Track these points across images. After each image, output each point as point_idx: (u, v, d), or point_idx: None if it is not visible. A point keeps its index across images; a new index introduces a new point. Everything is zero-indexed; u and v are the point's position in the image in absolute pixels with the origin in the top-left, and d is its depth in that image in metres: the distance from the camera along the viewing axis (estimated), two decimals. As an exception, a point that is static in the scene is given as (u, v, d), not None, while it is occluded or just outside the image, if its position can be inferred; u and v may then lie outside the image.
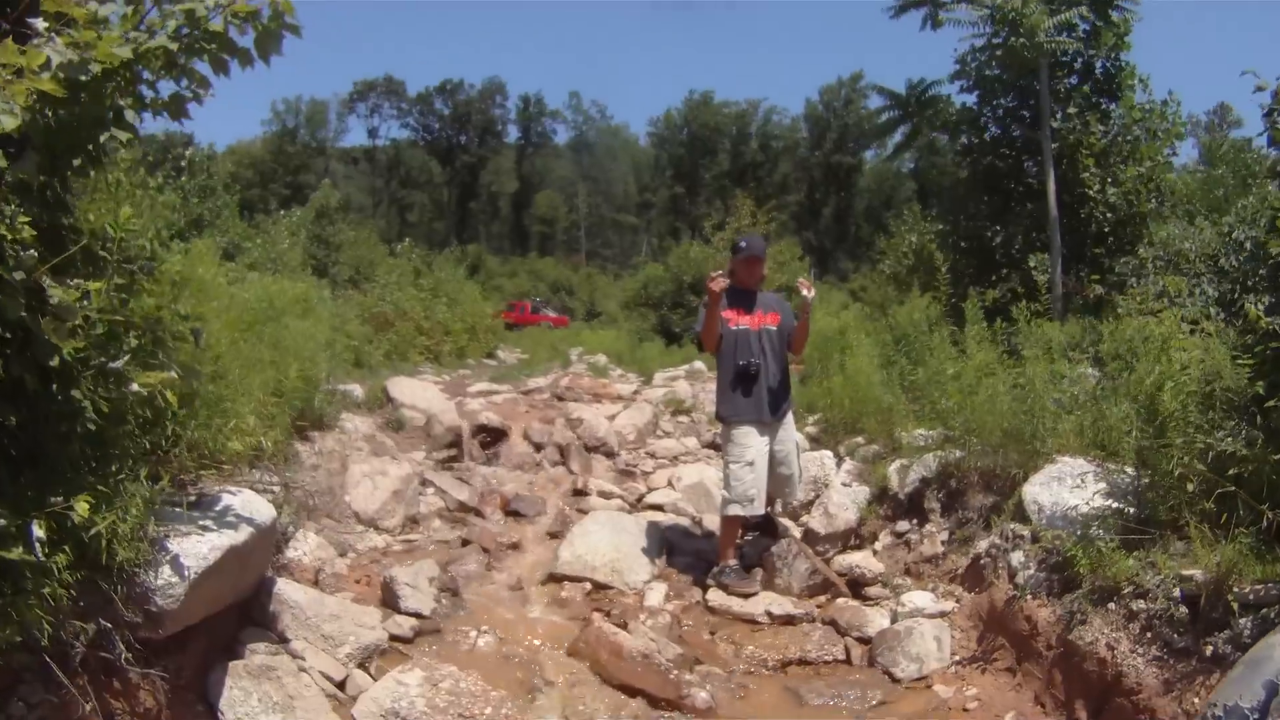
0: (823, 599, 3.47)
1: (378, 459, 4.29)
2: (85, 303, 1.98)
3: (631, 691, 2.65)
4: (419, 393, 5.41)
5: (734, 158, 51.40)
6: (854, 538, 3.94)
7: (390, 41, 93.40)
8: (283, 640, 2.75)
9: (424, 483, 4.50)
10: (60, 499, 1.88)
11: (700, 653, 3.01)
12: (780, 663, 2.99)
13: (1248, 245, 6.53)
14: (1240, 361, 2.66)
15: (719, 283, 3.36)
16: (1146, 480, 2.81)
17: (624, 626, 3.07)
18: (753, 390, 3.49)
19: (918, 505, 3.81)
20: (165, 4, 2.00)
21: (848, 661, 3.02)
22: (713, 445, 5.77)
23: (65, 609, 2.02)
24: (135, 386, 2.11)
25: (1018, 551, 3.01)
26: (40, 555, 1.77)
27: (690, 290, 15.93)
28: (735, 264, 3.70)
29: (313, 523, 3.71)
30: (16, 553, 1.71)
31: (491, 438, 5.40)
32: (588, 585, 3.44)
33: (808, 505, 4.24)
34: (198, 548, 2.34)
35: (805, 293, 3.48)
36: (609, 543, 3.62)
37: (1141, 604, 2.46)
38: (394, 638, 2.85)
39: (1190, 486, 2.58)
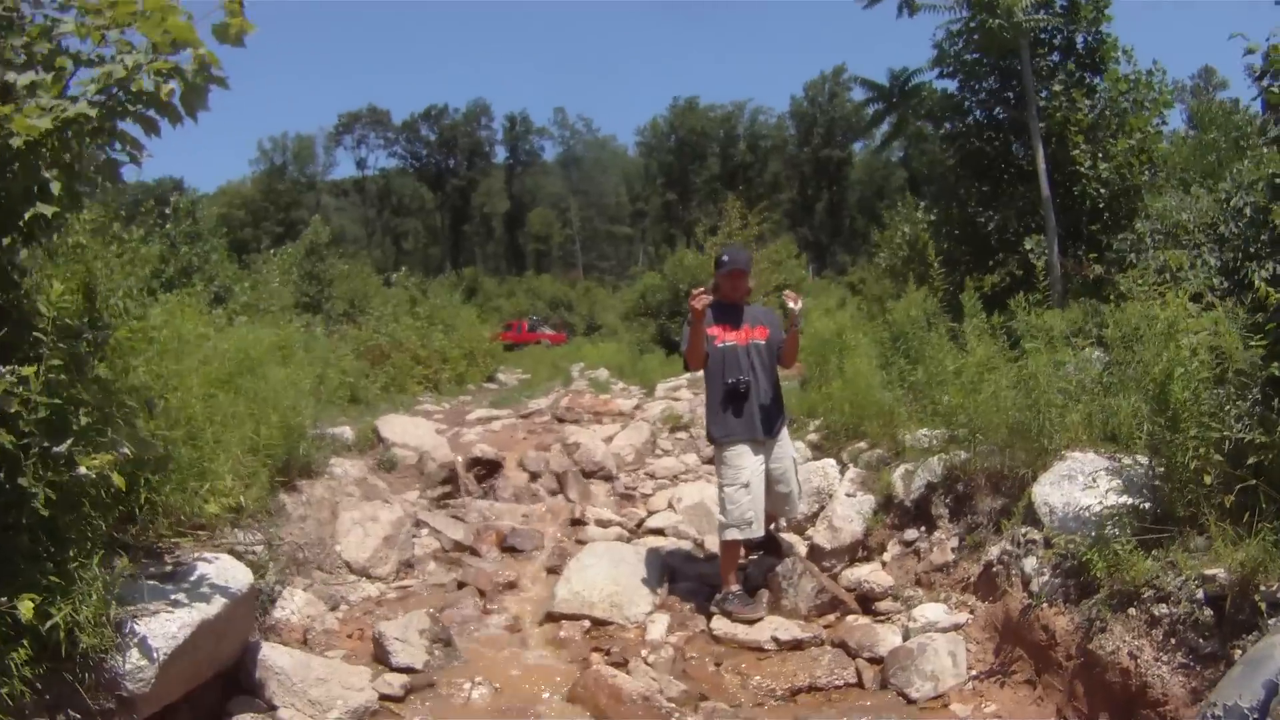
0: (831, 618, 3.33)
1: (368, 504, 4.18)
2: (23, 388, 1.89)
3: (634, 736, 2.52)
4: (410, 430, 5.31)
5: (723, 160, 51.42)
6: (861, 550, 3.80)
7: (371, 71, 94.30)
8: (271, 708, 2.65)
9: (418, 524, 4.39)
10: (4, 598, 1.78)
11: (705, 687, 2.88)
12: (789, 691, 2.86)
13: (1247, 211, 6.37)
14: (1253, 343, 2.52)
15: (700, 300, 3.25)
16: (1160, 471, 2.67)
17: (625, 665, 2.95)
18: (744, 409, 3.36)
19: (925, 512, 3.67)
20: (83, 70, 1.92)
21: (860, 685, 2.88)
22: (712, 461, 5.64)
23: (29, 705, 1.93)
24: (83, 470, 2.02)
25: (1030, 557, 2.88)
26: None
27: (688, 298, 15.76)
28: (719, 278, 3.59)
29: (302, 578, 3.61)
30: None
31: (487, 470, 5.29)
32: (586, 623, 3.31)
33: (812, 518, 4.12)
34: (166, 627, 2.25)
35: (792, 305, 3.35)
36: (607, 576, 3.49)
37: (1163, 608, 2.32)
38: (384, 697, 2.73)
39: (1208, 479, 2.44)
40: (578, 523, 4.56)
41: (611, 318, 30.41)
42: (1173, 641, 2.23)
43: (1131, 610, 2.39)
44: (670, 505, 4.73)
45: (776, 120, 53.59)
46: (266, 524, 3.48)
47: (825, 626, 3.27)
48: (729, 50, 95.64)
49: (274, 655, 2.76)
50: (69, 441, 1.99)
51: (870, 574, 3.52)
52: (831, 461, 4.52)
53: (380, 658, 3.02)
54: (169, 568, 2.62)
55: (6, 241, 2.00)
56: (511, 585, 3.80)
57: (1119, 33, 8.09)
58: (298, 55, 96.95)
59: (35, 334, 2.02)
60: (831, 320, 6.44)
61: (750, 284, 3.69)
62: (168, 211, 11.36)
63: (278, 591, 3.30)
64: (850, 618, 3.31)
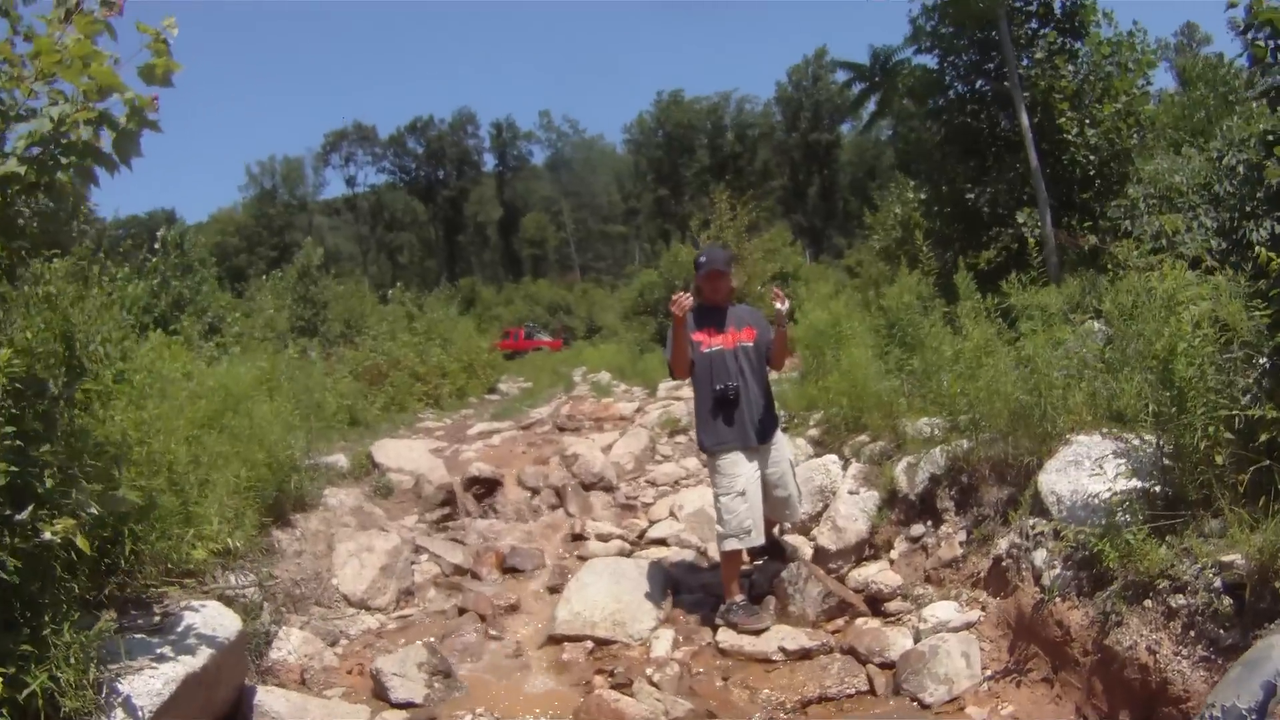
0: (840, 622, 3.25)
1: (364, 534, 4.11)
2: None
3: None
4: (405, 454, 5.23)
5: (712, 152, 51.15)
6: (867, 548, 3.71)
7: (353, 89, 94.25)
8: (269, 756, 2.59)
9: (416, 550, 4.32)
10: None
11: (713, 703, 2.80)
12: (799, 703, 2.77)
13: (1241, 169, 6.24)
14: (1258, 312, 2.42)
15: (681, 305, 3.16)
16: (1169, 451, 2.56)
17: (629, 686, 2.87)
18: (735, 416, 3.27)
19: (930, 506, 3.58)
20: (10, 129, 1.83)
21: (872, 692, 2.79)
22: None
23: (13, 775, 1.88)
24: (47, 535, 1.95)
25: (1040, 549, 2.78)
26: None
27: (668, 302, 15.62)
28: (699, 280, 3.50)
29: (299, 615, 3.54)
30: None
31: (486, 489, 5.22)
32: (589, 644, 3.23)
33: (816, 517, 4.03)
34: (150, 684, 2.19)
35: (779, 305, 3.24)
36: (608, 594, 3.41)
37: (1181, 599, 2.23)
38: (385, 736, 2.66)
39: (1219, 459, 2.35)
40: (578, 538, 4.48)
41: (611, 318, 30.33)
42: (1192, 634, 2.14)
43: (1147, 602, 2.30)
44: (672, 513, 4.65)
45: (763, 108, 53.35)
46: (259, 563, 3.42)
47: (834, 632, 3.18)
48: (710, 41, 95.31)
49: (269, 700, 2.71)
50: (30, 509, 1.92)
51: (878, 573, 3.44)
52: (833, 458, 4.42)
53: (380, 694, 2.95)
54: (157, 618, 2.57)
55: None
56: (513, 608, 3.73)
57: (1096, -6, 7.95)
58: (280, 78, 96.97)
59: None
60: (826, 311, 6.32)
61: (733, 283, 3.57)
62: (156, 246, 11.31)
63: (273, 632, 3.23)
64: (859, 621, 3.23)
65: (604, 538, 4.43)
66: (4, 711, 1.88)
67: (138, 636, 2.38)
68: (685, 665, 3.04)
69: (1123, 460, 2.68)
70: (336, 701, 2.89)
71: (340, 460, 5.10)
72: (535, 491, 5.20)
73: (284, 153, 60.30)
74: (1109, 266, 4.76)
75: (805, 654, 2.99)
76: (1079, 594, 2.55)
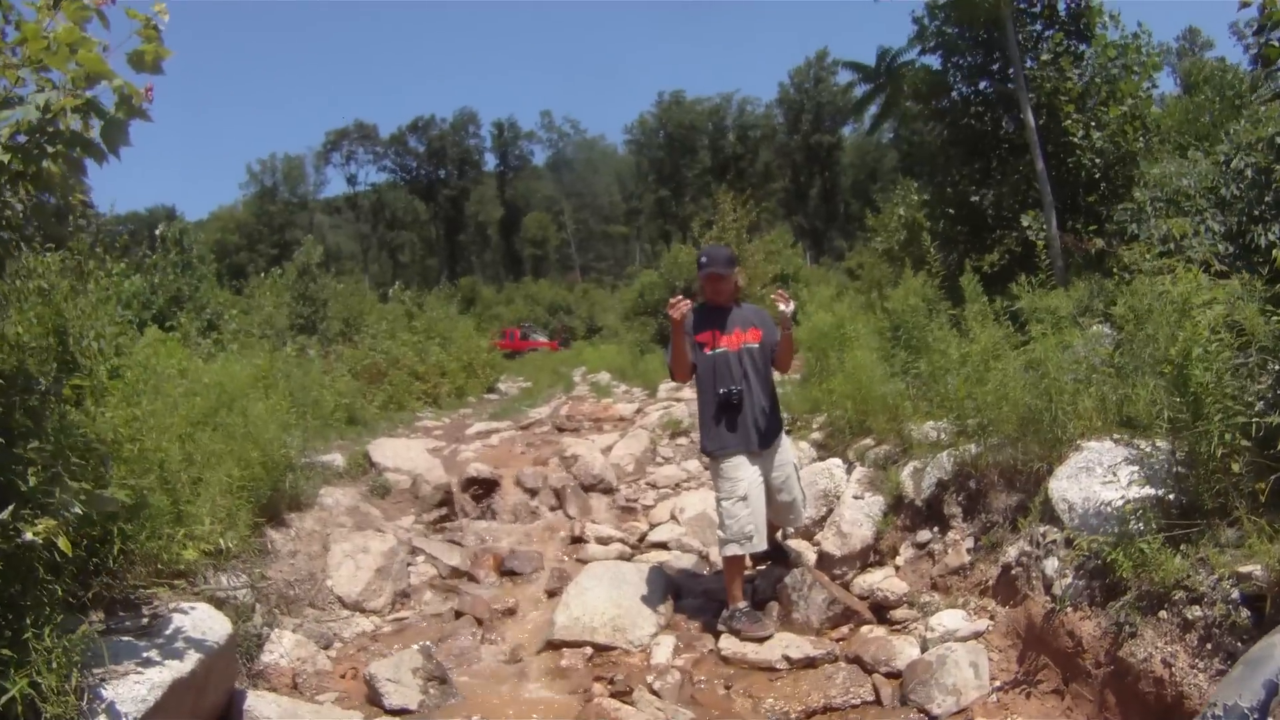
0: (845, 630, 3.18)
1: (360, 535, 4.05)
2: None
3: (641, 776, 2.38)
4: (402, 453, 5.17)
5: (714, 153, 51.15)
6: (872, 554, 3.65)
7: (355, 87, 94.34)
8: (259, 761, 2.52)
9: (413, 551, 4.25)
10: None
11: (715, 713, 2.74)
12: (804, 713, 2.71)
13: (1248, 173, 6.18)
14: (1276, 317, 2.37)
15: (679, 308, 3.09)
16: (1183, 458, 2.50)
17: (629, 694, 2.80)
18: (737, 420, 3.20)
19: (937, 511, 3.51)
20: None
21: (878, 702, 2.73)
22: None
23: (-8, 784, 1.82)
24: (29, 536, 1.89)
25: (1051, 558, 2.72)
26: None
27: (685, 295, 15.61)
28: (701, 281, 3.44)
29: (292, 617, 3.48)
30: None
31: (483, 489, 5.15)
32: (588, 650, 3.16)
33: (820, 521, 3.96)
34: (135, 690, 2.13)
35: (783, 307, 3.16)
36: (608, 599, 3.35)
37: (1197, 610, 2.17)
38: (378, 744, 2.60)
39: (1235, 467, 2.28)
40: (577, 541, 4.41)
41: (612, 319, 30.29)
42: (1209, 647, 2.08)
43: (1162, 613, 2.23)
44: (673, 516, 4.58)
45: (764, 109, 53.37)
46: (252, 564, 3.35)
47: (838, 640, 3.12)
48: (713, 43, 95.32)
49: (260, 704, 2.64)
50: (10, 508, 1.86)
51: (883, 580, 3.37)
52: (837, 461, 4.36)
53: (373, 699, 2.88)
54: (145, 620, 2.51)
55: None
56: (511, 612, 3.66)
57: (1102, -3, 7.91)
58: (282, 76, 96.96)
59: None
60: (830, 314, 6.26)
61: (737, 282, 3.49)
62: (155, 243, 11.26)
63: (265, 634, 3.16)
64: (865, 629, 3.16)
65: (604, 541, 4.36)
66: (-18, 720, 1.82)
67: (124, 639, 2.32)
68: (687, 673, 2.97)
69: (1135, 467, 2.61)
70: (329, 707, 2.82)
71: (337, 459, 5.04)
72: (534, 493, 5.14)
73: (285, 151, 60.39)
74: (1115, 270, 4.71)
75: (810, 662, 2.93)
76: (1091, 604, 2.49)
